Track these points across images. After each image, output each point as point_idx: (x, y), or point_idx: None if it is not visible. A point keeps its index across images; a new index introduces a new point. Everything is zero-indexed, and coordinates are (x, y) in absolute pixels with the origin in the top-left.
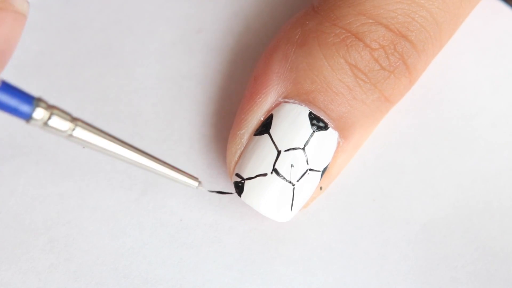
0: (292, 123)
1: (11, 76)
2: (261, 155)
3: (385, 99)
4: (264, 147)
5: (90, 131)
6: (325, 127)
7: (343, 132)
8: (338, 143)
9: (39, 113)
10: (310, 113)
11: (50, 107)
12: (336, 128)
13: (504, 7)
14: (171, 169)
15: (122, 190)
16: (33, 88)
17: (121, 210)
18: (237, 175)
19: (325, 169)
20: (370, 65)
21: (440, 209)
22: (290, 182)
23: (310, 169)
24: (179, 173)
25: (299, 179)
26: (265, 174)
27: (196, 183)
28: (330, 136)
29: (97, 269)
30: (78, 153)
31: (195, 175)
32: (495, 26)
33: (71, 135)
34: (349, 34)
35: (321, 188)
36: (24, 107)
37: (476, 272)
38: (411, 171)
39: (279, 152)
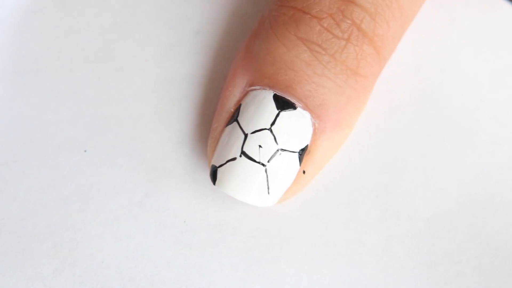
0: (258, 107)
1: (10, 82)
2: (230, 142)
3: (352, 72)
4: (233, 134)
5: None
6: (293, 107)
7: (315, 112)
8: (314, 124)
9: None
10: (275, 95)
11: None
12: (305, 108)
13: (502, 1)
14: None
15: (125, 193)
16: (32, 94)
17: (125, 213)
18: (212, 166)
19: (303, 151)
20: (322, 36)
21: (443, 204)
22: (260, 163)
23: (282, 149)
24: None
25: (270, 160)
26: (234, 159)
27: None
28: (299, 116)
29: (102, 272)
30: (80, 157)
31: (198, 176)
32: (493, 20)
33: None
34: (295, 10)
35: (304, 172)
36: None
37: (481, 266)
38: (413, 167)
39: (246, 135)
